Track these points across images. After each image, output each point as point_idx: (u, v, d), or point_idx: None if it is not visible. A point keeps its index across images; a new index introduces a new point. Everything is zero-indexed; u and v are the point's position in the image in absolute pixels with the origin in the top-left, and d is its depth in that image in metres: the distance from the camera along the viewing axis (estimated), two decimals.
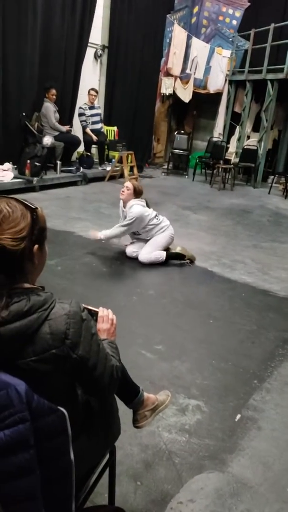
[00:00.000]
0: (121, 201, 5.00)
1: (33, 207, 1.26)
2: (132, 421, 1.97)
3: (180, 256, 4.98)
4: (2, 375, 1.14)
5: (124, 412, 1.97)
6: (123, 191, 4.87)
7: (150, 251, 4.85)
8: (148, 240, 4.95)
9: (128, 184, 4.91)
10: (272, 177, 11.07)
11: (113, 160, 9.78)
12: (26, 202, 1.26)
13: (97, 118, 9.46)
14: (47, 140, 7.81)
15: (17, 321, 1.16)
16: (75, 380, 1.33)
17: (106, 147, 9.79)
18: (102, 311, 1.63)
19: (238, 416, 2.56)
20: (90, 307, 1.62)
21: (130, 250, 4.99)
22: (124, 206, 4.93)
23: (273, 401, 2.73)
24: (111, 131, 10.27)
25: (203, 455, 2.23)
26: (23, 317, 1.17)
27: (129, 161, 9.76)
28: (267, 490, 2.05)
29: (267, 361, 3.20)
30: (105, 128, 9.79)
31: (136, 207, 4.78)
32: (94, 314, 1.64)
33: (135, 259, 4.88)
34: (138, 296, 4.06)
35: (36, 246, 1.26)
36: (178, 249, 5.00)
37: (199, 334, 3.51)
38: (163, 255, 4.91)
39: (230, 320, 3.81)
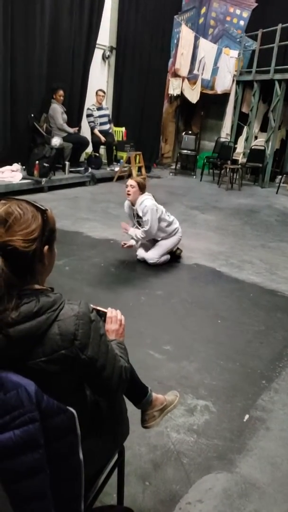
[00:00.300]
0: (127, 202, 4.90)
1: (43, 208, 1.28)
2: (141, 421, 1.97)
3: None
4: (12, 375, 1.15)
5: (133, 413, 1.98)
6: (128, 191, 4.75)
7: (159, 254, 4.83)
8: (156, 240, 4.93)
9: (132, 182, 4.78)
10: (280, 177, 11.03)
11: (121, 160, 9.80)
12: (36, 204, 1.28)
13: (105, 119, 9.48)
14: (56, 141, 7.85)
15: (26, 322, 1.17)
16: (84, 380, 1.34)
17: (114, 147, 9.81)
18: (110, 312, 1.65)
19: (247, 417, 2.56)
20: (99, 308, 1.63)
21: (141, 253, 4.96)
22: (133, 205, 4.82)
23: (281, 401, 2.73)
24: (119, 132, 10.29)
25: (212, 456, 2.23)
26: (33, 318, 1.18)
27: (137, 161, 9.78)
28: (276, 490, 2.05)
29: (275, 361, 3.19)
30: (113, 129, 9.81)
31: (148, 201, 4.68)
32: (102, 315, 1.65)
33: (143, 261, 4.89)
34: (146, 297, 4.07)
35: (46, 247, 1.27)
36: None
37: (207, 334, 3.51)
38: (169, 257, 4.96)
39: (238, 320, 3.81)
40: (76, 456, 1.24)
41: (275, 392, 2.83)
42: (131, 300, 3.94)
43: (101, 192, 8.32)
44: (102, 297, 3.89)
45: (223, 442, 2.34)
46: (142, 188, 4.77)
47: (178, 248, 5.10)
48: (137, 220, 4.83)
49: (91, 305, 1.35)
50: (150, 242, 4.97)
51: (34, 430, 1.12)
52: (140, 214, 4.70)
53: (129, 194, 4.74)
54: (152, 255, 4.83)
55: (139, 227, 4.81)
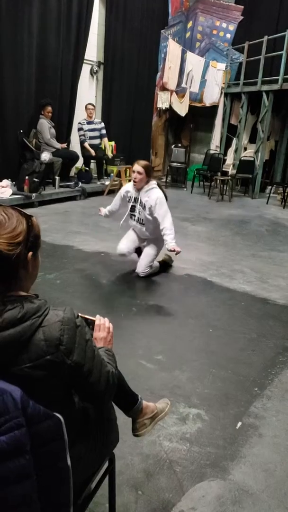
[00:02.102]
0: (128, 189, 4.64)
1: (29, 214, 1.30)
2: (132, 429, 1.96)
3: (167, 264, 5.11)
4: None
5: (124, 422, 1.98)
6: (135, 178, 4.43)
7: (147, 264, 4.77)
8: (146, 239, 4.83)
9: (138, 168, 4.42)
10: (269, 187, 11.12)
11: (112, 174, 9.84)
12: (21, 210, 1.30)
13: (95, 133, 9.54)
14: (45, 156, 7.88)
15: (11, 328, 1.18)
16: (71, 386, 1.34)
17: (104, 162, 9.87)
18: (98, 320, 1.65)
19: (239, 424, 2.55)
20: (86, 316, 1.64)
21: (124, 246, 4.82)
22: (139, 191, 4.54)
23: (274, 408, 2.72)
24: (109, 146, 10.34)
25: (204, 463, 2.22)
26: (17, 324, 1.19)
27: (127, 175, 9.82)
28: (269, 496, 2.04)
29: (268, 368, 3.19)
30: (107, 143, 9.86)
31: (157, 191, 4.48)
32: (90, 323, 1.65)
33: (131, 271, 4.90)
34: (137, 307, 4.06)
35: (30, 254, 1.28)
36: (164, 257, 5.11)
37: (199, 343, 3.51)
38: (158, 265, 4.95)
39: (230, 329, 3.81)
40: (64, 462, 1.23)
41: (267, 399, 2.82)
42: (122, 311, 3.94)
43: (92, 206, 8.34)
44: (94, 309, 3.88)
45: (216, 450, 2.33)
46: (149, 174, 4.49)
47: (170, 258, 5.10)
48: (133, 205, 4.62)
49: (79, 314, 1.36)
50: (138, 237, 4.89)
51: (20, 436, 1.11)
52: (147, 203, 4.47)
53: (135, 182, 4.45)
54: (142, 268, 4.76)
55: (133, 213, 4.68)
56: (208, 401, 2.74)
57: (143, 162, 4.55)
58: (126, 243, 4.87)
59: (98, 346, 1.51)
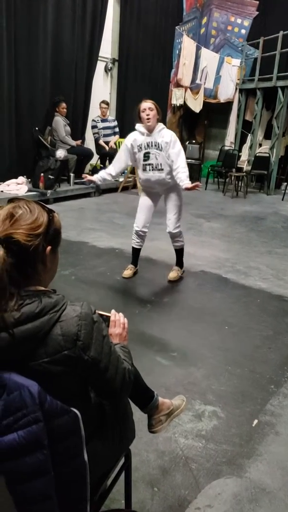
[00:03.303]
0: (134, 137, 4.24)
1: (51, 209, 1.32)
2: (148, 426, 1.96)
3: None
4: (15, 376, 1.15)
5: (140, 419, 1.97)
6: (148, 115, 4.05)
7: (177, 218, 4.49)
8: (165, 189, 4.43)
9: (149, 104, 4.11)
10: (285, 183, 11.01)
11: (126, 171, 9.83)
12: (44, 205, 1.32)
13: (109, 131, 9.55)
14: (60, 153, 7.90)
15: (29, 323, 1.17)
16: (87, 382, 1.33)
17: None
18: (114, 316, 1.64)
19: (255, 422, 2.53)
20: (101, 312, 1.63)
21: (141, 221, 4.54)
22: (150, 132, 4.16)
23: None
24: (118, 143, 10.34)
25: (220, 461, 2.21)
26: (35, 319, 1.18)
27: None
28: (286, 494, 2.02)
29: (284, 366, 3.16)
30: (118, 140, 9.87)
31: (168, 130, 4.19)
32: (106, 320, 1.64)
33: (148, 266, 4.89)
34: (152, 304, 4.06)
35: (49, 248, 1.28)
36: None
37: (215, 340, 3.49)
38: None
39: (245, 326, 3.78)
40: (81, 458, 1.23)
41: (284, 397, 2.80)
42: (137, 308, 3.94)
43: (106, 203, 8.36)
44: (108, 305, 3.88)
45: (232, 447, 2.31)
46: (159, 111, 4.20)
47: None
48: (146, 152, 4.19)
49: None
50: (156, 194, 4.52)
51: (38, 431, 1.11)
52: (163, 142, 4.13)
53: (149, 119, 4.07)
54: (173, 224, 4.47)
55: (148, 162, 4.21)
56: (224, 399, 2.72)
57: (150, 100, 4.25)
58: (142, 216, 4.55)
59: (113, 343, 1.50)
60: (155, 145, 4.16)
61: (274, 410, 2.65)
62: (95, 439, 1.41)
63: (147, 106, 4.09)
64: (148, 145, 4.18)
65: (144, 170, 4.29)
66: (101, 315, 1.59)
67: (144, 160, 4.23)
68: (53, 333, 1.20)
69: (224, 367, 3.09)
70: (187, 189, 4.03)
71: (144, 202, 4.56)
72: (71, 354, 1.21)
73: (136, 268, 4.75)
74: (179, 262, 4.80)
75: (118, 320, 1.62)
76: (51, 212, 1.31)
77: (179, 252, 4.75)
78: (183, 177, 4.06)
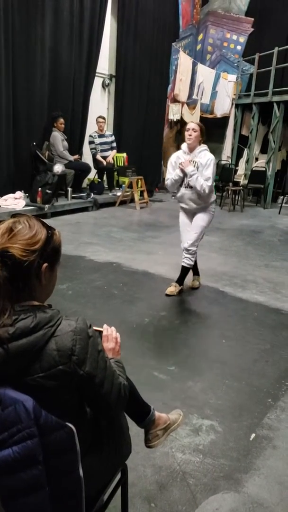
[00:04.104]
0: (177, 155, 4.44)
1: (51, 227, 1.34)
2: (144, 440, 1.95)
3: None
4: (10, 391, 1.15)
5: (137, 433, 1.97)
6: (190, 135, 4.26)
7: (197, 238, 4.59)
8: (196, 208, 4.56)
9: (194, 125, 4.29)
10: (281, 197, 11.09)
11: (123, 185, 9.90)
12: (45, 222, 1.34)
13: (106, 146, 9.65)
14: (58, 167, 7.95)
15: (23, 338, 1.18)
16: (82, 397, 1.33)
17: (115, 172, 9.95)
18: (106, 330, 1.63)
19: (253, 436, 2.52)
20: (94, 327, 1.63)
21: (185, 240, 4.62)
22: (191, 151, 4.37)
23: None
24: (121, 157, 10.42)
25: (218, 476, 2.19)
26: (30, 334, 1.19)
27: (139, 186, 9.88)
28: (284, 509, 2.01)
29: (282, 379, 3.16)
30: (115, 155, 9.96)
31: (209, 153, 4.36)
32: (98, 334, 1.64)
33: (146, 280, 4.90)
34: (150, 318, 4.05)
35: (45, 265, 1.28)
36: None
37: (212, 354, 3.48)
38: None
39: (243, 340, 3.78)
40: (76, 473, 1.23)
41: (281, 410, 2.79)
42: (134, 322, 3.93)
43: (104, 217, 8.39)
44: (106, 319, 3.85)
45: (229, 462, 2.30)
46: (203, 134, 4.37)
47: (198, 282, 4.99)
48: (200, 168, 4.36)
49: None
50: (190, 212, 4.66)
51: (32, 446, 1.12)
52: (199, 163, 4.31)
53: (190, 139, 4.29)
54: (192, 241, 4.57)
55: (185, 179, 4.42)
56: (222, 412, 2.72)
57: (197, 122, 4.55)
58: (184, 235, 4.70)
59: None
60: (195, 165, 4.37)
61: (272, 424, 2.64)
62: (91, 454, 1.41)
63: (191, 126, 4.33)
64: (194, 163, 4.38)
65: (180, 185, 4.54)
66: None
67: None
68: (48, 348, 1.20)
69: (221, 381, 3.08)
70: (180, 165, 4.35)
71: (183, 220, 4.78)
72: (66, 369, 1.21)
73: (181, 287, 4.76)
74: (181, 279, 4.77)
75: (110, 334, 1.62)
76: (52, 230, 1.33)
77: (185, 270, 4.75)
78: (198, 179, 4.32)
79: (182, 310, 4.31)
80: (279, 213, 10.35)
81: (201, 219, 4.62)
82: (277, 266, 5.99)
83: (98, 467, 1.44)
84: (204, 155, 4.37)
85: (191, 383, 3.02)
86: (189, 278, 4.92)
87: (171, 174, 4.52)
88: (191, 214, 4.70)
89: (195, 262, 4.88)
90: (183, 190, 4.54)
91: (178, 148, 11.73)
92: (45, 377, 1.20)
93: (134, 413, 1.88)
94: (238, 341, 3.76)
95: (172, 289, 4.67)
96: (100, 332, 1.63)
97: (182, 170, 4.36)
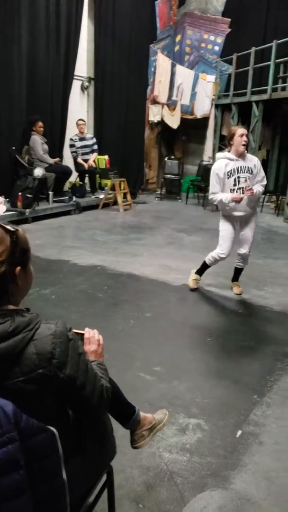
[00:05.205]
0: (225, 163, 4.31)
1: (13, 230, 1.28)
2: (130, 441, 1.95)
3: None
4: None
5: (123, 435, 1.97)
6: (245, 141, 4.28)
7: (250, 246, 4.75)
8: (245, 216, 4.55)
9: (246, 131, 4.33)
10: (263, 196, 11.16)
11: (106, 188, 9.88)
12: (5, 226, 1.29)
13: (87, 150, 9.64)
14: (38, 171, 7.91)
15: (2, 342, 1.17)
16: (64, 400, 1.32)
17: (97, 175, 9.94)
18: (88, 333, 1.62)
19: (239, 432, 2.53)
20: (75, 330, 1.63)
21: (228, 250, 4.62)
22: (239, 157, 4.35)
23: (274, 415, 2.71)
24: (102, 160, 10.41)
25: (205, 473, 2.20)
26: (8, 338, 1.18)
27: (122, 188, 9.87)
28: (271, 504, 2.02)
29: (267, 375, 3.18)
30: (96, 158, 9.94)
31: (253, 156, 4.51)
32: (80, 337, 1.63)
33: (131, 282, 4.91)
34: (135, 320, 4.05)
35: (18, 268, 1.27)
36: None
37: (198, 353, 3.49)
38: None
39: (228, 337, 3.80)
40: (59, 476, 1.22)
41: (267, 406, 2.81)
42: (120, 324, 3.93)
43: (87, 220, 8.37)
44: (90, 322, 3.84)
45: (216, 459, 2.31)
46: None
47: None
48: (238, 176, 4.33)
49: None
50: (237, 218, 4.58)
51: (13, 451, 1.10)
52: (252, 165, 4.37)
53: (245, 144, 4.30)
54: (248, 250, 4.74)
55: (237, 186, 4.34)
56: (208, 411, 2.73)
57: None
58: (229, 245, 4.62)
59: (90, 360, 1.50)
60: (247, 170, 4.35)
61: (258, 420, 2.65)
62: (75, 457, 1.40)
63: (245, 132, 4.29)
64: (238, 170, 4.33)
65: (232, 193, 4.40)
66: (76, 333, 1.59)
67: (234, 185, 4.36)
68: (27, 352, 1.20)
69: (207, 379, 3.09)
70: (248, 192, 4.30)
71: (230, 229, 4.61)
72: (46, 372, 1.21)
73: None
74: (237, 278, 4.97)
75: (92, 337, 1.61)
76: (14, 233, 1.28)
77: (240, 270, 4.93)
78: (258, 188, 4.39)
79: (167, 311, 4.31)
80: (261, 211, 10.41)
81: (253, 225, 4.69)
82: (260, 264, 6.03)
83: (82, 469, 1.43)
84: (251, 158, 4.43)
85: (177, 382, 3.03)
86: (167, 278, 4.92)
87: (218, 185, 4.35)
88: (240, 221, 4.63)
89: (241, 271, 4.96)
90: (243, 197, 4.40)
91: (160, 149, 11.69)
92: (25, 381, 1.19)
93: (118, 415, 1.88)
94: (223, 338, 3.78)
95: (194, 284, 4.85)
96: (82, 335, 1.63)
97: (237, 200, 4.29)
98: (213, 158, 12.42)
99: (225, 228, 4.61)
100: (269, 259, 6.32)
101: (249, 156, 4.45)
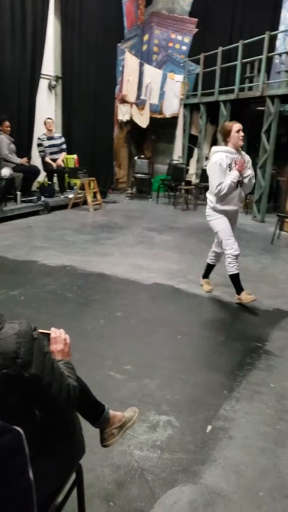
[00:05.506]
0: (225, 155, 4.32)
1: None
2: (100, 440, 1.95)
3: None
4: None
5: (94, 434, 1.96)
6: (242, 136, 4.32)
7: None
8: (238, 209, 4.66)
9: (241, 126, 4.36)
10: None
11: (75, 187, 9.82)
12: None
13: (56, 149, 9.55)
14: (5, 171, 7.79)
15: None
16: (30, 399, 1.31)
17: (66, 175, 9.87)
18: (54, 332, 1.62)
19: (209, 428, 2.56)
20: (41, 330, 1.61)
21: (237, 245, 4.57)
22: (239, 153, 4.40)
23: (243, 410, 2.74)
24: (71, 159, 10.34)
25: (176, 469, 2.21)
26: None
27: (91, 187, 9.82)
28: (241, 497, 2.05)
29: (236, 370, 3.22)
30: (65, 157, 9.87)
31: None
32: (46, 337, 1.62)
33: (102, 281, 4.90)
34: (106, 319, 4.04)
35: None
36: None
37: (168, 350, 3.51)
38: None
39: (198, 334, 3.84)
40: (26, 476, 1.21)
41: (236, 401, 2.84)
42: (90, 324, 3.91)
43: (56, 220, 8.30)
44: (60, 323, 3.82)
45: (187, 455, 2.32)
46: None
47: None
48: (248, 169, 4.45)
49: None
50: (232, 212, 4.62)
51: None
52: (247, 162, 4.42)
53: (242, 139, 4.35)
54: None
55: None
56: (178, 407, 2.74)
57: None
58: (234, 240, 4.59)
59: (56, 359, 1.49)
60: (246, 163, 4.41)
61: (227, 415, 2.69)
62: (42, 456, 1.39)
63: (241, 127, 4.34)
64: (236, 163, 4.35)
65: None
66: (42, 333, 1.58)
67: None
68: None
69: (178, 376, 3.11)
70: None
71: (228, 225, 4.58)
72: (11, 372, 1.19)
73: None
74: (208, 275, 5.02)
75: (59, 336, 1.61)
76: None
77: (213, 267, 5.00)
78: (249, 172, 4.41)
79: (138, 310, 4.32)
80: None
81: (235, 226, 4.72)
82: None
83: (50, 469, 1.42)
84: (244, 154, 4.47)
85: (148, 380, 3.04)
86: (138, 277, 4.93)
87: (221, 177, 4.33)
88: (230, 217, 4.62)
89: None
90: (236, 190, 4.47)
91: (130, 148, 11.73)
92: None
93: (87, 414, 1.88)
94: (194, 336, 3.81)
95: (248, 296, 4.46)
96: (48, 334, 1.62)
97: (240, 171, 4.30)
98: (183, 157, 12.52)
99: (223, 227, 4.57)
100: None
101: (242, 152, 4.49)
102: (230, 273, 4.53)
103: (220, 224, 4.58)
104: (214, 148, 4.57)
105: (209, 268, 4.98)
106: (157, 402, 2.78)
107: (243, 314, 4.32)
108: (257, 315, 4.31)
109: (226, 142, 4.41)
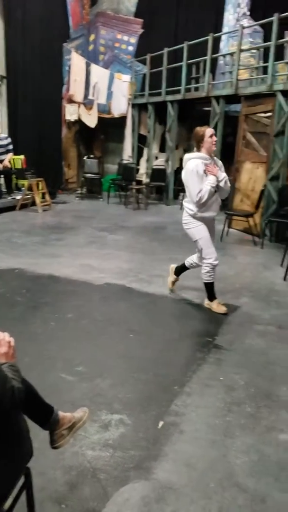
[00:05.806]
0: (201, 162, 4.24)
1: None
2: (50, 442, 1.93)
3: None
4: None
5: (45, 438, 1.94)
6: (215, 141, 4.29)
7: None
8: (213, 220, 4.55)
9: (213, 130, 4.31)
10: (182, 194, 11.41)
11: (23, 188, 9.67)
12: None
13: (2, 150, 9.39)
14: None
15: None
16: None
17: (13, 175, 9.71)
18: None
19: (161, 423, 2.59)
20: None
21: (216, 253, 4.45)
22: (212, 159, 4.35)
23: (193, 404, 2.79)
24: (18, 160, 10.16)
25: (128, 467, 2.23)
26: None
27: (39, 188, 9.69)
28: (192, 489, 2.09)
29: (187, 366, 3.27)
30: (12, 158, 9.70)
31: None
32: None
33: (51, 283, 4.84)
34: (56, 321, 4.00)
35: None
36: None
37: (120, 349, 3.52)
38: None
39: (150, 332, 3.86)
40: None
41: (187, 395, 2.89)
42: (40, 327, 3.86)
43: (4, 222, 8.13)
44: (8, 327, 3.74)
45: (139, 452, 2.34)
46: None
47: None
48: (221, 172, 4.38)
49: None
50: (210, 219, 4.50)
51: None
52: (220, 167, 4.38)
53: (215, 144, 4.30)
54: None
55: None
56: (130, 405, 2.76)
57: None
58: (214, 249, 4.46)
59: (0, 362, 1.47)
60: (219, 168, 4.36)
61: (178, 410, 2.72)
62: None
63: (213, 132, 4.29)
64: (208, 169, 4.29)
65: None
66: None
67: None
68: None
69: (129, 375, 3.13)
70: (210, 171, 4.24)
71: (207, 233, 4.45)
72: None
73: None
74: (179, 274, 4.95)
75: (2, 339, 1.58)
76: None
77: (186, 269, 4.90)
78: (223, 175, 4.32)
79: (89, 310, 4.30)
80: (180, 209, 10.63)
81: (214, 233, 4.60)
82: (181, 259, 6.09)
83: None
84: (217, 160, 4.43)
85: (99, 380, 3.03)
86: (89, 277, 4.91)
87: (200, 184, 4.23)
88: (208, 224, 4.51)
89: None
90: (214, 196, 4.37)
91: (79, 148, 11.66)
92: None
93: (36, 416, 1.85)
94: (145, 334, 3.83)
95: (220, 307, 4.41)
96: None
97: (215, 176, 4.23)
98: (133, 157, 12.56)
99: (203, 236, 4.43)
100: (189, 254, 6.44)
101: (215, 158, 4.45)
102: (205, 282, 4.49)
103: (199, 232, 4.44)
104: (187, 155, 4.46)
105: (184, 269, 4.90)
106: (109, 402, 2.78)
107: (195, 311, 4.39)
108: (208, 311, 4.38)
109: (199, 148, 4.35)
